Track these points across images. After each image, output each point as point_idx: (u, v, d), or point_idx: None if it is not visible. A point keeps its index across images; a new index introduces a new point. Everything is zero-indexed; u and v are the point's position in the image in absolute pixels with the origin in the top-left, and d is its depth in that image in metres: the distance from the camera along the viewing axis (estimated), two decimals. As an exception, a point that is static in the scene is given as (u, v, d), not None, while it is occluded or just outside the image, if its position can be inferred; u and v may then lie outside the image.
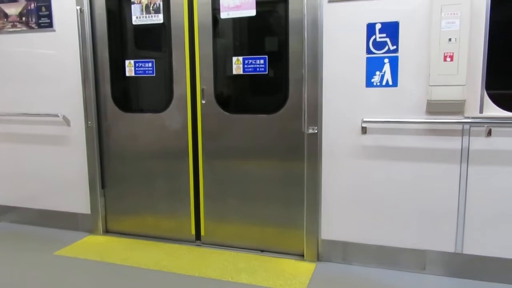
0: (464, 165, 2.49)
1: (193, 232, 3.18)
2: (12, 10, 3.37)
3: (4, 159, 3.61)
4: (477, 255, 2.54)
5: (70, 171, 3.39)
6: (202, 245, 3.15)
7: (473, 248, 2.55)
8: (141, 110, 3.25)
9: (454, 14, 2.32)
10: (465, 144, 2.47)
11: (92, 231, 3.40)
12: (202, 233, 3.15)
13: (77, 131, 3.30)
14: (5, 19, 3.39)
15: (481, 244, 2.53)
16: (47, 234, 3.42)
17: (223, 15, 2.84)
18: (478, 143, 2.44)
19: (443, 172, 2.53)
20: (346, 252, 2.79)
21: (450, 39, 2.34)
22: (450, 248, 2.59)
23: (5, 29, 3.40)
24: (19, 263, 2.90)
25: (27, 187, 3.58)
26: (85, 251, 3.08)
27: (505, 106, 2.41)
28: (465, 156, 2.48)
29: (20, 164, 3.56)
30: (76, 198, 3.41)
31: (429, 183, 2.57)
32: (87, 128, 3.26)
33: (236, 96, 3.10)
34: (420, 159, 2.56)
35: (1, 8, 3.39)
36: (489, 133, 2.42)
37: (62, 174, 3.43)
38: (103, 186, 3.36)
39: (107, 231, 3.43)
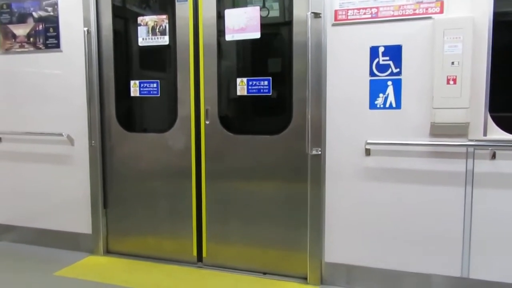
0: (469, 188, 2.47)
1: (195, 253, 3.14)
2: (20, 31, 3.42)
3: (7, 178, 3.60)
4: (483, 280, 2.50)
5: (72, 191, 3.38)
6: (204, 267, 3.11)
7: (479, 273, 2.50)
8: (145, 130, 3.26)
9: (456, 38, 2.34)
10: (470, 166, 2.46)
11: (93, 251, 3.37)
12: (204, 254, 3.12)
13: (81, 150, 3.31)
14: (13, 40, 3.45)
15: (487, 268, 2.49)
16: (47, 254, 3.39)
17: (228, 37, 2.88)
18: (483, 166, 2.43)
19: (447, 194, 2.51)
20: (350, 275, 2.75)
21: (453, 63, 2.36)
22: (456, 273, 2.54)
23: (13, 50, 3.46)
24: (18, 284, 2.86)
25: (29, 206, 3.56)
26: (86, 272, 3.05)
27: (508, 129, 2.41)
28: (469, 179, 2.46)
29: (23, 183, 3.56)
30: (78, 217, 3.39)
31: (434, 205, 2.55)
32: (91, 148, 3.26)
33: (240, 117, 3.11)
34: (425, 182, 2.55)
35: (10, 29, 3.46)
36: (493, 156, 2.41)
37: (65, 194, 3.42)
38: (105, 206, 3.35)
39: (108, 252, 3.39)
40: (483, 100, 2.39)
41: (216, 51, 2.93)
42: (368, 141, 2.59)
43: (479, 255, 2.49)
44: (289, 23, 2.77)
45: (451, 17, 2.38)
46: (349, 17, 2.58)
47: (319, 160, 2.72)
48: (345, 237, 2.73)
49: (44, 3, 3.31)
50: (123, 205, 3.30)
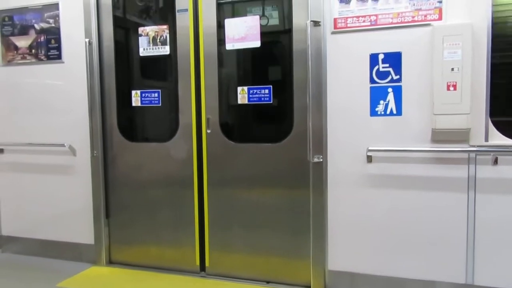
0: (471, 194, 2.46)
1: (198, 263, 3.13)
2: (23, 42, 3.45)
3: (9, 189, 3.61)
4: (488, 287, 2.48)
5: (75, 201, 3.38)
6: (207, 276, 3.09)
7: (484, 279, 2.49)
8: (147, 140, 3.27)
9: (456, 44, 2.35)
10: (472, 172, 2.45)
11: (95, 262, 3.36)
12: (207, 263, 3.10)
13: (83, 160, 3.31)
14: (15, 52, 3.47)
15: (492, 275, 2.47)
16: (50, 265, 3.38)
17: (228, 46, 2.90)
18: (485, 171, 2.43)
19: (450, 200, 2.50)
20: (354, 283, 2.73)
21: (452, 69, 2.37)
22: (461, 279, 2.53)
23: (15, 61, 3.48)
24: (21, 295, 2.86)
25: (32, 218, 3.56)
26: (88, 282, 3.04)
27: (510, 134, 2.41)
28: (472, 184, 2.46)
29: (25, 194, 3.56)
30: (80, 228, 3.38)
31: (437, 212, 2.54)
32: (93, 158, 3.27)
33: (241, 125, 3.11)
34: (427, 188, 2.54)
35: (12, 41, 3.48)
36: (495, 162, 2.41)
37: (67, 204, 3.41)
38: (107, 215, 3.34)
39: (110, 262, 3.38)
40: (484, 106, 2.39)
41: (216, 60, 2.95)
42: (370, 148, 2.59)
43: (484, 261, 2.48)
44: (288, 32, 2.79)
45: (450, 24, 2.40)
46: (348, 25, 2.60)
47: (321, 168, 2.72)
48: (348, 245, 2.72)
49: (45, 15, 3.34)
50: (126, 214, 3.30)
